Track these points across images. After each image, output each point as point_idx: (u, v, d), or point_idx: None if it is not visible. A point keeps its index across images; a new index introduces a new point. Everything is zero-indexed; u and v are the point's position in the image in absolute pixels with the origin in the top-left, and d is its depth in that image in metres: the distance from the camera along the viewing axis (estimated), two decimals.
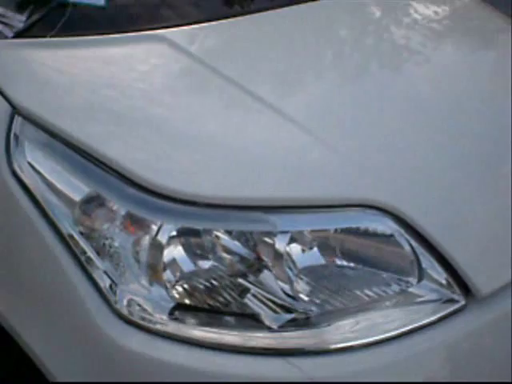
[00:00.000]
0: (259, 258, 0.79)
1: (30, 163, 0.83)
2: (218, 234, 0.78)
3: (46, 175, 0.83)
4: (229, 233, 0.78)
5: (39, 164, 0.84)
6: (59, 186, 0.82)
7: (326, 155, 0.85)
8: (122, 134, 0.83)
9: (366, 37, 1.17)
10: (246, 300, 0.79)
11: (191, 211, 0.77)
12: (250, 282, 0.79)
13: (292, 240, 0.79)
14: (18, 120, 0.86)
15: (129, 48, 0.97)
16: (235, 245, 0.78)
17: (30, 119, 0.85)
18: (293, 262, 0.79)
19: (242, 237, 0.78)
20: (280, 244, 0.78)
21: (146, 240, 0.78)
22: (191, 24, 1.01)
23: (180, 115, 0.86)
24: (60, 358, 0.80)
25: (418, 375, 0.77)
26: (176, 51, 0.96)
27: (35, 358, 0.82)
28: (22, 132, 0.85)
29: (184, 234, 0.78)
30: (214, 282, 0.78)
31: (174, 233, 0.77)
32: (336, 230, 0.81)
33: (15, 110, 0.86)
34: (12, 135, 0.85)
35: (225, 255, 0.79)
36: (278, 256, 0.78)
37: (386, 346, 0.77)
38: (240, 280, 0.79)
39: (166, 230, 0.77)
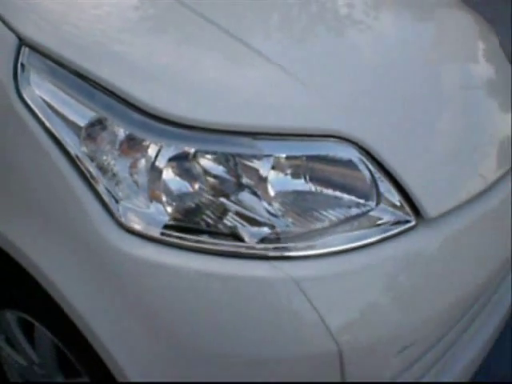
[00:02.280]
0: (242, 180, 0.95)
1: (36, 91, 0.96)
2: (211, 156, 0.93)
3: (52, 102, 0.96)
4: (219, 156, 0.93)
5: (45, 91, 0.96)
6: (65, 111, 0.95)
7: (301, 91, 1.01)
8: (126, 61, 0.96)
9: None
10: (228, 218, 0.95)
11: (189, 135, 0.91)
12: (233, 202, 0.95)
13: (271, 165, 0.96)
14: (24, 50, 0.98)
15: None
16: (223, 168, 0.94)
17: (36, 49, 0.97)
18: (271, 185, 0.96)
19: (229, 160, 0.94)
20: (264, 168, 0.94)
21: (145, 162, 0.93)
22: None
23: (176, 50, 1.00)
24: (65, 269, 0.95)
25: (377, 281, 0.96)
26: None
27: (39, 272, 0.97)
28: (29, 61, 0.97)
29: (180, 157, 0.93)
30: (202, 202, 0.94)
31: (171, 155, 0.92)
32: (307, 158, 0.98)
33: (22, 41, 0.98)
34: (19, 65, 0.97)
35: (215, 177, 0.94)
36: (261, 179, 0.94)
37: (351, 255, 0.96)
38: (224, 200, 0.95)
39: (164, 153, 0.92)
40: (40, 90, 0.96)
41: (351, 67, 1.09)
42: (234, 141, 0.94)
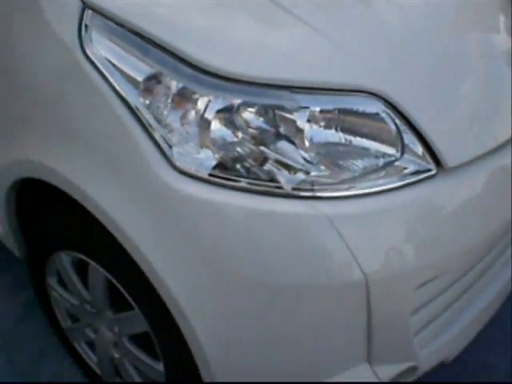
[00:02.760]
0: (281, 131, 1.08)
1: (98, 48, 1.09)
2: (253, 109, 1.06)
3: (113, 58, 1.09)
4: (260, 108, 1.06)
5: (106, 49, 1.09)
6: (124, 67, 1.08)
7: (334, 50, 1.12)
8: (180, 22, 1.08)
9: None
10: (268, 165, 1.08)
11: (235, 88, 1.04)
12: (272, 151, 1.08)
13: (307, 118, 1.08)
14: (88, 13, 1.11)
15: None
16: (263, 119, 1.06)
17: (98, 11, 1.10)
18: (307, 135, 1.08)
19: (269, 112, 1.07)
20: (300, 119, 1.07)
21: (195, 113, 1.06)
22: None
23: (223, 14, 1.12)
24: (124, 206, 1.08)
25: (401, 221, 1.08)
26: None
27: (102, 212, 1.11)
28: (92, 22, 1.10)
29: (226, 109, 1.05)
30: (244, 150, 1.07)
31: (219, 107, 1.05)
32: (339, 111, 1.10)
33: (85, 5, 1.11)
34: (83, 25, 1.11)
35: (256, 128, 1.07)
36: (298, 130, 1.07)
37: (378, 197, 1.08)
38: (263, 148, 1.07)
39: (213, 105, 1.05)
40: (101, 47, 1.09)
41: (379, 31, 1.20)
42: (275, 94, 1.06)
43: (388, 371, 1.20)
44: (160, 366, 1.31)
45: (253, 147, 1.07)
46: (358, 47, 1.15)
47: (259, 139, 1.08)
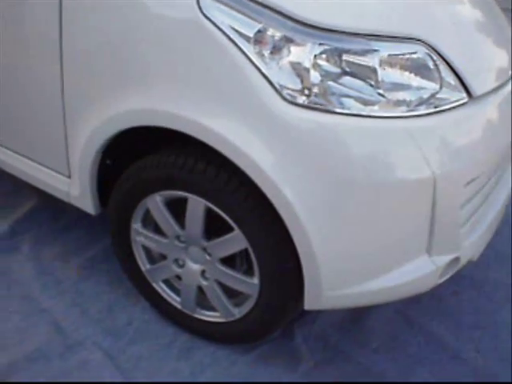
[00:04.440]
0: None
1: (215, 10, 1.43)
2: (348, 54, 1.43)
3: (227, 18, 1.43)
4: (347, 51, 1.44)
5: (220, 11, 1.43)
6: (236, 25, 1.42)
7: (387, 8, 1.53)
8: None
9: None
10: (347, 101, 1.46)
11: (330, 36, 1.41)
12: (348, 88, 1.45)
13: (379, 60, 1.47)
14: None
15: None
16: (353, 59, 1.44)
17: None
18: (379, 74, 1.47)
19: (352, 55, 1.45)
20: (374, 61, 1.46)
21: (297, 56, 1.42)
22: None
23: None
24: (246, 135, 1.42)
25: (453, 134, 1.49)
26: None
27: (225, 144, 1.44)
28: None
29: (324, 52, 1.42)
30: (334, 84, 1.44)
31: (317, 50, 1.42)
32: (395, 55, 1.50)
33: None
34: None
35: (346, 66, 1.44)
36: (372, 69, 1.45)
37: (434, 117, 1.48)
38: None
39: (312, 50, 1.42)
40: (215, 9, 1.43)
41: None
42: (354, 40, 1.45)
43: (441, 261, 1.60)
44: (255, 280, 1.63)
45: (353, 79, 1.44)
46: (407, 8, 1.57)
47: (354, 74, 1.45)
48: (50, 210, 2.37)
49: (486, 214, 1.82)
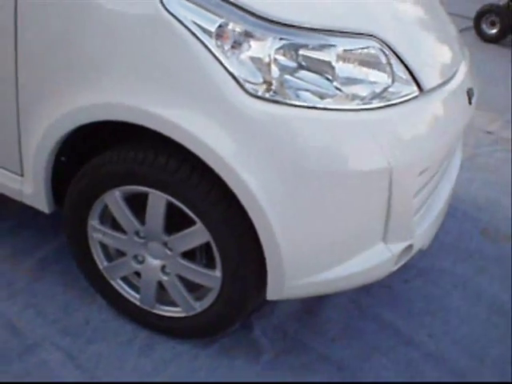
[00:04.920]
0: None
1: (174, 4, 1.45)
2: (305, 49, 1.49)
3: (189, 14, 1.45)
4: (304, 46, 1.49)
5: (181, 6, 1.45)
6: (198, 20, 1.45)
7: (343, 6, 1.60)
8: None
9: None
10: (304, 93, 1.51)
11: (289, 31, 1.46)
12: (306, 82, 1.51)
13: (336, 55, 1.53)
14: None
15: None
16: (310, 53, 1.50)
17: None
18: (335, 68, 1.53)
19: (310, 50, 1.50)
20: (330, 56, 1.52)
21: (259, 49, 1.46)
22: None
23: None
24: (208, 127, 1.45)
25: (405, 125, 1.58)
26: None
27: (186, 135, 1.46)
28: None
29: (282, 47, 1.47)
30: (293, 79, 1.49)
31: (277, 45, 1.46)
32: (350, 50, 1.57)
33: None
34: None
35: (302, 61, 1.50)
36: (329, 64, 1.51)
37: (387, 109, 1.56)
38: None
39: (273, 44, 1.46)
40: (177, 3, 1.45)
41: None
42: (313, 35, 1.50)
43: (396, 249, 1.68)
44: (217, 273, 1.66)
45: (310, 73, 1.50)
46: (361, 6, 1.64)
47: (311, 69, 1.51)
48: None
49: (435, 203, 1.92)
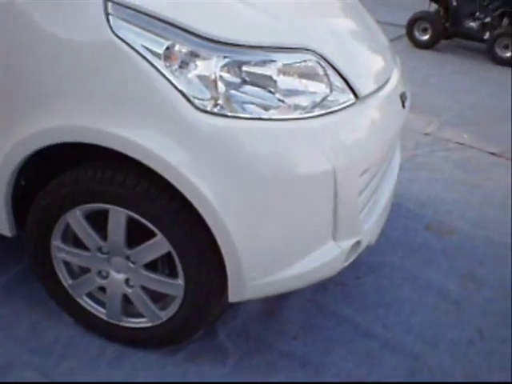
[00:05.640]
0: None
1: (124, 30, 1.56)
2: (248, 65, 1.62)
3: (138, 38, 1.56)
4: (247, 63, 1.62)
5: (130, 31, 1.56)
6: (147, 44, 1.56)
7: (281, 23, 1.74)
8: (184, 5, 1.60)
9: None
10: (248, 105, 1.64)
11: (232, 49, 1.59)
12: (250, 95, 1.64)
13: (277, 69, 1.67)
14: (108, 4, 1.56)
15: None
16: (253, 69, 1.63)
17: (118, 3, 1.56)
18: (277, 81, 1.67)
19: (252, 66, 1.64)
20: (272, 70, 1.65)
21: (203, 68, 1.58)
22: None
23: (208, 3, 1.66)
24: (163, 142, 1.56)
25: (345, 129, 1.72)
26: None
27: (142, 151, 1.56)
28: (114, 11, 1.56)
29: (226, 64, 1.60)
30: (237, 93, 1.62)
31: (222, 63, 1.59)
32: (289, 64, 1.71)
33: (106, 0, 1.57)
34: (109, 14, 1.56)
35: (246, 76, 1.62)
36: (270, 78, 1.65)
37: (327, 117, 1.70)
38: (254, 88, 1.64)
39: (218, 62, 1.58)
40: (124, 28, 1.56)
41: (302, 11, 1.86)
42: (255, 52, 1.64)
43: (345, 245, 1.82)
44: (179, 281, 1.76)
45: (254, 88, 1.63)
46: (297, 21, 1.80)
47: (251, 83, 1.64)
48: None
49: (379, 201, 2.08)
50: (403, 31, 6.44)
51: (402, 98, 2.09)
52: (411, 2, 6.71)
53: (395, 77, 2.11)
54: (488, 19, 6.09)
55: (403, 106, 2.08)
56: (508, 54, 5.89)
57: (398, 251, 2.62)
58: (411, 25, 6.36)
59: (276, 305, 2.22)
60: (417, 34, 6.33)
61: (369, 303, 2.30)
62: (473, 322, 2.25)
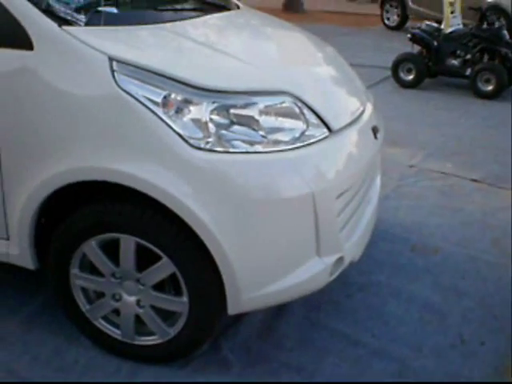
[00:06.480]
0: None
1: (127, 83, 1.86)
2: (234, 108, 1.91)
3: (139, 90, 1.86)
4: (233, 106, 1.91)
5: (132, 84, 1.86)
6: (147, 94, 1.86)
7: (260, 71, 2.05)
8: (177, 60, 1.91)
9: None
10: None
11: (219, 95, 1.89)
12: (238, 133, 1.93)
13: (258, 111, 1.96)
14: (113, 63, 1.87)
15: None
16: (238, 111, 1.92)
17: (121, 61, 1.87)
18: (259, 121, 1.96)
19: (237, 108, 1.93)
20: (254, 111, 1.94)
21: (196, 112, 1.87)
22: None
23: (198, 58, 1.97)
24: (165, 178, 1.84)
25: (321, 158, 2.00)
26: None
27: (149, 186, 1.84)
28: (118, 68, 1.87)
29: (215, 108, 1.89)
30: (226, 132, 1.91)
31: (211, 108, 1.88)
32: (270, 106, 2.01)
33: (111, 58, 1.87)
34: (113, 70, 1.87)
35: (233, 118, 1.91)
36: (253, 118, 1.94)
37: (302, 149, 1.98)
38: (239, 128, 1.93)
39: (207, 107, 1.88)
40: (128, 82, 1.86)
41: (279, 60, 2.16)
42: (238, 97, 1.93)
43: (329, 260, 2.07)
44: (184, 298, 2.01)
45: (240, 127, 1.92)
46: (272, 68, 2.10)
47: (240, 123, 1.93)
48: None
49: (360, 221, 2.34)
50: (389, 73, 6.80)
51: (374, 130, 2.38)
52: (402, 46, 7.09)
53: (368, 112, 2.41)
54: (469, 56, 6.46)
55: (375, 137, 2.37)
56: (490, 88, 6.22)
57: (385, 271, 2.86)
58: (396, 66, 6.72)
59: (274, 322, 2.45)
60: (402, 74, 6.69)
61: (359, 317, 2.53)
62: (454, 328, 2.47)
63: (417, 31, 6.73)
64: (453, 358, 2.31)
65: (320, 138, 2.05)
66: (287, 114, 2.03)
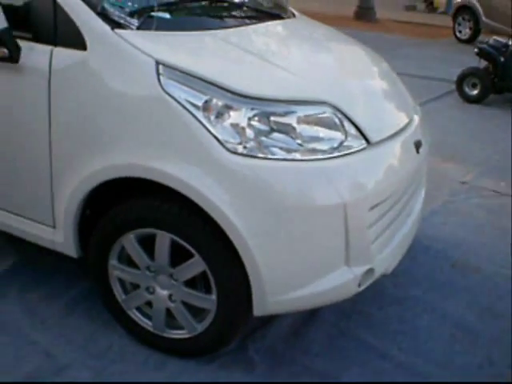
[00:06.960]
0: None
1: (172, 87, 1.95)
2: (274, 115, 1.97)
3: (182, 93, 1.94)
4: (273, 114, 1.97)
5: (176, 88, 1.95)
6: (189, 98, 1.94)
7: (301, 80, 2.10)
8: (220, 66, 1.99)
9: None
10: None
11: (259, 103, 1.95)
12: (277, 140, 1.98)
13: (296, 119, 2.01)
14: (160, 66, 1.96)
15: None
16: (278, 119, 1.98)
17: (167, 66, 1.96)
18: (297, 130, 2.00)
19: (277, 116, 1.98)
20: (293, 120, 1.99)
21: (235, 118, 1.94)
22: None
23: (244, 67, 2.04)
24: (204, 180, 1.91)
25: (357, 170, 2.03)
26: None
27: (187, 188, 1.92)
28: (164, 72, 1.96)
29: (254, 115, 1.95)
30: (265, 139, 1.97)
31: (250, 114, 1.94)
32: (309, 115, 2.05)
33: (158, 62, 1.97)
34: (160, 74, 1.96)
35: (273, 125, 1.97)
36: (292, 126, 1.99)
37: (341, 158, 2.01)
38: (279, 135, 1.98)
39: (246, 113, 1.94)
40: (172, 87, 1.95)
41: (324, 71, 2.20)
42: (278, 105, 1.99)
43: (358, 271, 2.09)
44: (213, 296, 2.08)
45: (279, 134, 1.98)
46: (314, 78, 2.14)
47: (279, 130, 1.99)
48: (30, 263, 2.77)
49: (396, 234, 2.34)
50: (454, 86, 6.68)
51: (417, 144, 2.38)
52: (472, 60, 6.94)
53: (412, 127, 2.41)
54: None
55: (417, 151, 2.37)
56: None
57: (422, 286, 2.85)
58: (461, 80, 6.60)
59: (302, 327, 2.49)
60: (466, 89, 6.56)
61: (388, 330, 2.53)
62: (484, 349, 2.44)
63: (484, 46, 6.58)
64: (478, 379, 2.28)
65: (357, 149, 2.08)
66: (326, 124, 2.07)
